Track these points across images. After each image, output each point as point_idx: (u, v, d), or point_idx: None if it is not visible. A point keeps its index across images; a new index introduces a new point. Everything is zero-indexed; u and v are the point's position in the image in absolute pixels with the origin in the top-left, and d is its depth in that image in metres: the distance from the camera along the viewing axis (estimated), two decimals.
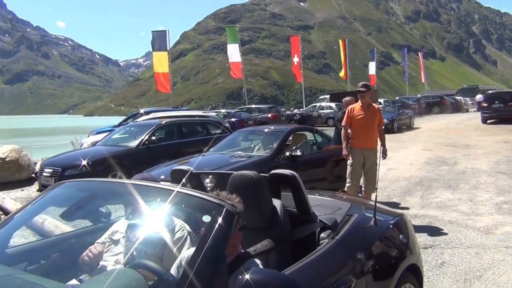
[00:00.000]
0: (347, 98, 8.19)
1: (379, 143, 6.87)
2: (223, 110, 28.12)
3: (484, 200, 7.45)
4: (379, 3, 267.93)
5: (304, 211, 2.82)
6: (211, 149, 8.25)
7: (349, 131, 6.82)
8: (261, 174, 2.81)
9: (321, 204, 3.22)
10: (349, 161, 6.72)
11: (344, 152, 6.73)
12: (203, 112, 19.14)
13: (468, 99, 43.44)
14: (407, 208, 7.13)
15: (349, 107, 6.92)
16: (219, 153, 7.90)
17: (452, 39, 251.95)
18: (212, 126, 12.33)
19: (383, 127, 7.10)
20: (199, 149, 8.93)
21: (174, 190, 2.20)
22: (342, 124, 6.89)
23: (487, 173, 9.87)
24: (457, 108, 40.40)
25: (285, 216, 2.70)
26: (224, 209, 2.01)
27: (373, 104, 6.92)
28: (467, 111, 40.51)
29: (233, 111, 27.60)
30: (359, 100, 6.77)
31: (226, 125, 13.75)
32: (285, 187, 2.95)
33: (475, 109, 36.75)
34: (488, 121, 24.14)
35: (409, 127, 23.84)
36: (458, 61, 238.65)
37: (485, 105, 24.69)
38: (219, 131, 11.94)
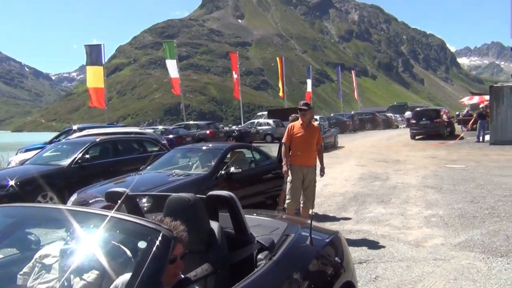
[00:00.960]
0: (294, 116, 8.32)
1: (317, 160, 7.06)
2: (160, 127, 27.72)
3: (414, 214, 7.79)
4: (314, 22, 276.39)
5: (241, 232, 2.82)
6: (148, 168, 8.12)
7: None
8: (198, 196, 2.78)
9: (259, 224, 3.24)
10: (289, 178, 6.84)
11: (284, 168, 6.83)
12: (140, 129, 18.74)
13: (398, 115, 45.63)
14: (349, 219, 7.33)
15: (290, 124, 7.05)
16: (156, 172, 7.78)
17: (383, 58, 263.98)
18: (149, 143, 12.12)
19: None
20: (135, 167, 8.75)
21: (108, 215, 2.13)
22: (282, 141, 7.00)
23: (416, 187, 10.36)
24: (388, 124, 42.29)
25: (223, 238, 2.69)
26: (161, 234, 1.98)
27: (313, 123, 7.12)
28: (397, 127, 42.47)
29: (171, 127, 27.22)
30: (300, 118, 6.94)
31: (163, 142, 13.56)
32: (222, 208, 2.95)
33: (405, 125, 38.62)
34: (417, 137, 25.40)
35: (334, 146, 23.02)
36: (389, 79, 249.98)
37: (414, 121, 26.01)
38: (156, 148, 11.76)
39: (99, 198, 2.90)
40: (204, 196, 2.92)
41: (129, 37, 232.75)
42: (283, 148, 6.96)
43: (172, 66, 31.77)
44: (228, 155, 8.13)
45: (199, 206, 2.67)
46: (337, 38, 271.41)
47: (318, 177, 7.06)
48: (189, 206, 2.62)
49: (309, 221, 3.09)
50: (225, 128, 35.28)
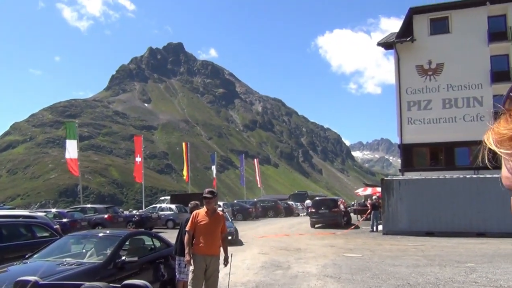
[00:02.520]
0: (193, 203, 8.27)
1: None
2: (53, 210, 25.84)
3: None
4: (220, 111, 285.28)
5: None
6: (36, 255, 7.38)
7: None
8: (112, 285, 2.58)
9: None
10: (191, 268, 6.58)
11: (187, 258, 6.61)
12: (29, 212, 17.33)
13: (298, 204, 46.95)
14: None
15: (194, 212, 6.96)
16: (44, 260, 7.08)
17: (284, 148, 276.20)
18: (38, 228, 11.16)
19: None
20: (21, 255, 7.93)
21: None
22: (186, 229, 6.85)
23: (316, 276, 10.45)
24: (290, 212, 43.22)
25: None
26: None
27: (218, 211, 7.06)
28: (298, 215, 43.49)
29: (65, 210, 25.51)
30: (204, 206, 6.86)
31: (55, 227, 12.61)
32: None
33: (305, 214, 39.71)
34: (316, 226, 26.16)
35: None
36: (290, 168, 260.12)
37: (313, 210, 26.91)
38: (47, 234, 10.85)
39: None
40: (119, 286, 2.81)
41: (27, 114, 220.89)
42: (186, 236, 6.78)
43: (71, 147, 30.59)
44: (127, 243, 7.75)
45: None
46: (241, 126, 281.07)
47: (221, 267, 6.87)
48: None
49: None
50: (125, 212, 33.83)
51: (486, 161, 0.70)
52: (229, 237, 16.53)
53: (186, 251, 6.65)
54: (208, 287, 6.61)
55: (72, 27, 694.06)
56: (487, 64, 26.44)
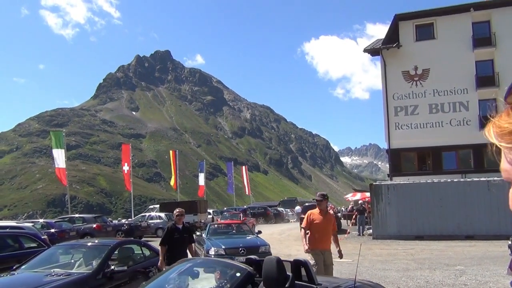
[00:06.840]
0: (178, 210, 8.53)
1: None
2: (41, 220, 25.56)
3: None
4: (209, 118, 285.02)
5: (311, 281, 4.60)
6: (23, 267, 7.29)
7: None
8: (285, 260, 4.73)
9: (328, 280, 5.20)
10: (313, 262, 7.35)
11: (306, 247, 7.59)
12: (17, 223, 17.14)
13: (288, 210, 46.96)
14: None
15: (309, 212, 7.91)
16: (32, 271, 6.99)
17: (273, 154, 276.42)
18: (26, 239, 11.03)
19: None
20: (8, 266, 7.84)
21: (227, 262, 4.84)
22: (302, 226, 7.82)
23: None
24: (280, 218, 43.19)
25: (293, 281, 4.31)
26: (247, 271, 4.29)
27: (329, 211, 8.03)
28: (288, 221, 43.47)
29: (53, 221, 25.24)
30: (317, 207, 7.82)
31: (43, 237, 12.47)
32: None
33: (295, 220, 39.69)
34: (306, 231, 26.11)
35: None
36: (279, 175, 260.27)
37: (303, 216, 26.88)
38: (34, 244, 10.73)
39: None
40: (291, 260, 4.92)
41: (13, 124, 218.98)
42: (302, 232, 7.76)
43: (59, 156, 30.34)
44: (116, 252, 7.68)
45: (280, 264, 4.25)
46: (230, 134, 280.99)
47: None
48: (275, 263, 4.19)
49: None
50: (113, 221, 33.57)
51: (494, 154, 0.72)
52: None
53: (305, 243, 7.62)
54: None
55: (57, 35, 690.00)
56: (472, 69, 26.80)
